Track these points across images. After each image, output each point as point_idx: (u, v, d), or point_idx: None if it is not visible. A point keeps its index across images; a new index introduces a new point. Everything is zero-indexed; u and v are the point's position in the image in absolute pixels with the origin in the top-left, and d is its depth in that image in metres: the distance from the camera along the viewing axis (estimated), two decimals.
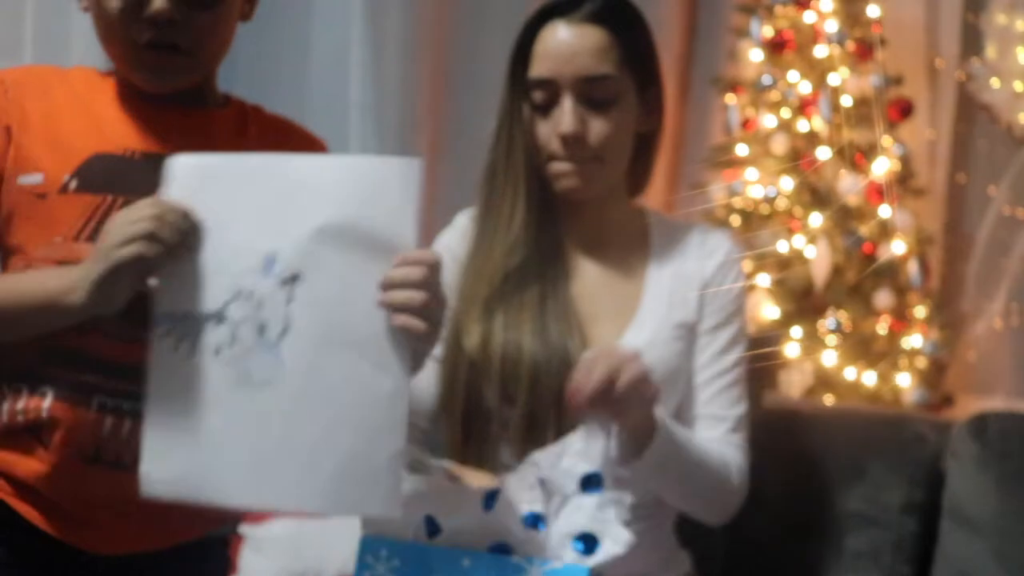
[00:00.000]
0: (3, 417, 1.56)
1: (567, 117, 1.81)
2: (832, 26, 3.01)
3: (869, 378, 2.94)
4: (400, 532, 1.54)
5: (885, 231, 2.95)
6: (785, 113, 3.03)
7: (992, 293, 3.14)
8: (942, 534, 2.14)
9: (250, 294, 1.44)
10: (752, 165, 3.03)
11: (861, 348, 2.95)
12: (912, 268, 2.95)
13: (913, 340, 2.96)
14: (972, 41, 3.16)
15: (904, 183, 3.00)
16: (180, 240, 1.45)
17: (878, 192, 2.95)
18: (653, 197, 2.05)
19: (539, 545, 1.50)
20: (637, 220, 1.94)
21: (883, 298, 2.94)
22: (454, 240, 1.91)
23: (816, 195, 2.99)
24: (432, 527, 1.53)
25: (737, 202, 3.01)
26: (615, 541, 1.50)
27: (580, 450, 1.53)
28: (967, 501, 2.12)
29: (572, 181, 1.84)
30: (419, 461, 1.55)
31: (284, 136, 1.66)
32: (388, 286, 1.42)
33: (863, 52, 3.01)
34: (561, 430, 1.68)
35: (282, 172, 1.48)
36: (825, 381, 2.94)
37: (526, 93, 1.85)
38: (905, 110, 3.01)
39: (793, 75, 3.03)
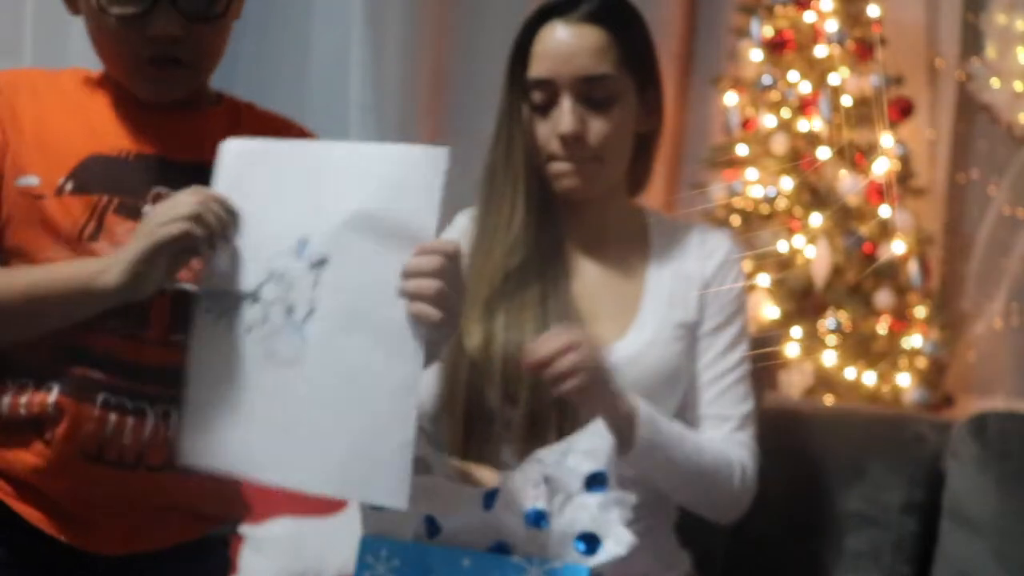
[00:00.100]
0: (4, 410, 1.56)
1: (566, 117, 1.81)
2: (832, 26, 3.00)
3: (869, 378, 2.94)
4: (400, 532, 1.54)
5: (885, 231, 2.95)
6: (785, 113, 3.02)
7: (992, 293, 3.13)
8: (942, 534, 2.14)
9: (282, 276, 1.47)
10: (752, 165, 3.03)
11: (861, 348, 2.94)
12: (912, 268, 2.95)
13: (913, 340, 2.96)
14: (972, 41, 3.15)
15: (904, 183, 3.00)
16: (221, 227, 1.47)
17: (878, 192, 2.95)
18: (653, 197, 2.06)
19: (540, 544, 1.50)
20: (637, 220, 1.94)
21: (883, 298, 2.94)
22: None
23: (816, 195, 2.98)
24: (432, 527, 1.53)
25: (737, 202, 3.01)
26: (617, 542, 1.49)
27: (586, 449, 1.53)
28: (967, 501, 2.12)
29: (572, 181, 1.84)
30: (423, 459, 1.55)
31: (277, 133, 1.66)
32: (406, 275, 1.42)
33: (863, 52, 3.01)
34: (563, 430, 1.68)
35: (319, 157, 1.51)
36: (825, 381, 2.93)
37: (525, 93, 1.85)
38: (905, 110, 3.01)
39: (793, 75, 3.02)
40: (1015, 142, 3.14)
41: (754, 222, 2.99)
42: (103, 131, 1.60)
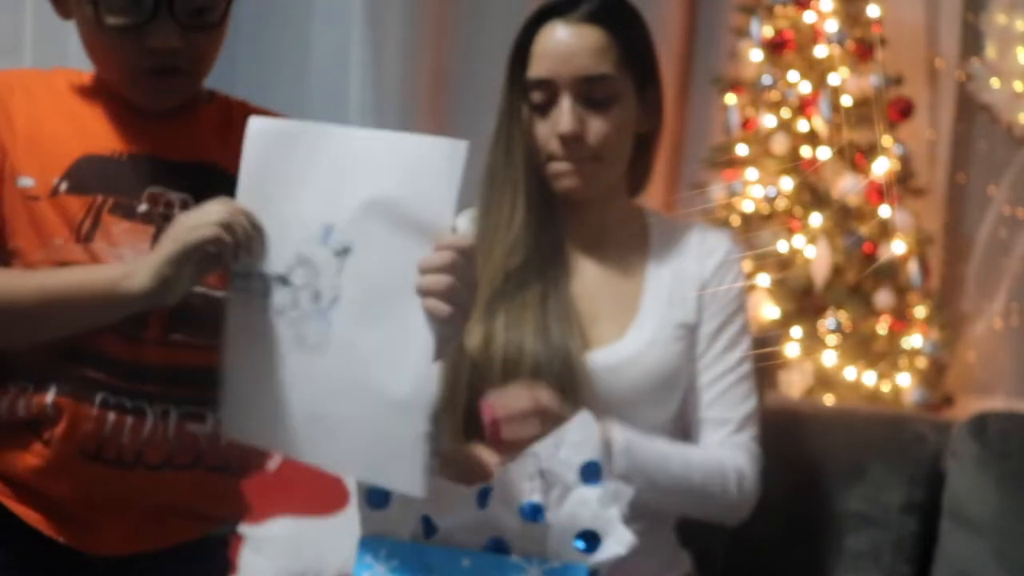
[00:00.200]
0: (2, 411, 1.56)
1: (565, 117, 1.81)
2: (832, 26, 3.00)
3: (869, 378, 2.94)
4: (399, 532, 1.54)
5: (885, 231, 2.95)
6: (785, 113, 3.02)
7: (992, 293, 3.14)
8: (942, 534, 2.14)
9: (310, 261, 1.48)
10: (752, 165, 3.03)
11: (861, 348, 2.95)
12: (912, 268, 2.95)
13: (913, 340, 2.96)
14: (972, 41, 3.16)
15: (904, 183, 3.00)
16: (247, 239, 1.47)
17: (878, 192, 2.95)
18: (653, 197, 2.06)
19: (537, 539, 1.50)
20: (637, 220, 1.94)
21: (883, 298, 2.94)
22: None
23: (816, 195, 2.99)
24: (428, 527, 1.53)
25: (737, 202, 3.01)
26: (617, 541, 1.49)
27: (576, 440, 1.53)
28: (967, 501, 2.12)
29: (571, 181, 1.84)
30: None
31: None
32: (420, 270, 1.43)
33: (863, 52, 3.01)
34: None
35: (342, 143, 1.51)
36: (825, 381, 2.93)
37: (525, 93, 1.85)
38: (905, 110, 3.01)
39: (793, 75, 3.02)
40: (1015, 142, 3.14)
41: (754, 222, 2.99)
42: (95, 132, 1.59)
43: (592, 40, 1.82)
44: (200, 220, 1.46)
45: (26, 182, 1.55)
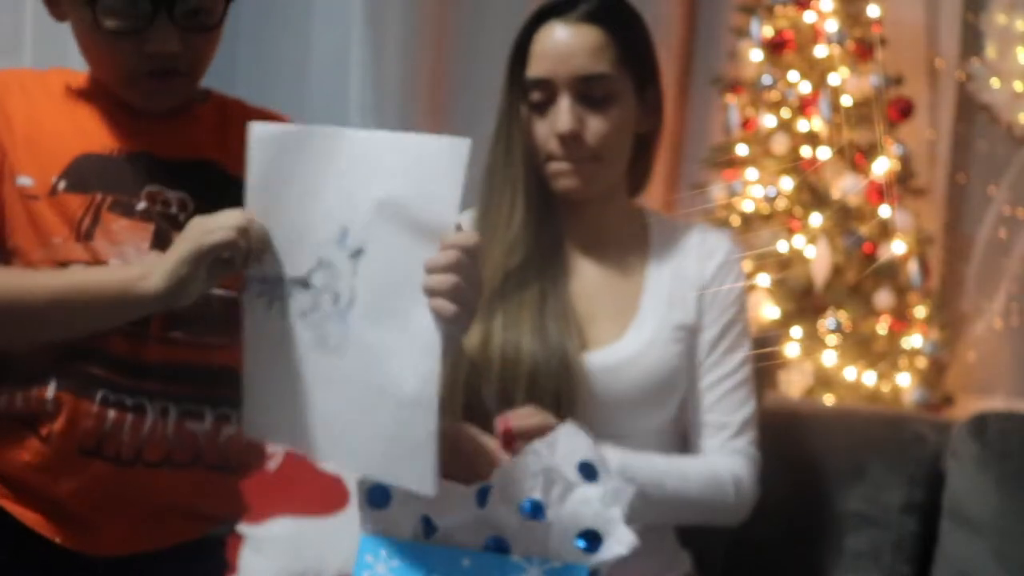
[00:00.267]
0: (1, 407, 1.56)
1: (564, 116, 1.81)
2: (832, 26, 3.00)
3: (869, 378, 2.94)
4: (399, 532, 1.54)
5: (885, 231, 2.94)
6: (785, 113, 3.02)
7: (992, 293, 3.14)
8: (942, 534, 2.14)
9: (329, 264, 1.49)
10: (752, 165, 3.03)
11: (861, 348, 2.94)
12: (912, 268, 2.95)
13: (913, 340, 2.96)
14: (972, 41, 3.15)
15: (904, 183, 3.00)
16: (260, 247, 1.48)
17: (878, 192, 2.95)
18: (653, 197, 2.06)
19: (536, 538, 1.49)
20: (636, 220, 1.94)
21: (883, 298, 2.94)
22: None
23: (816, 195, 2.99)
24: (428, 526, 1.53)
25: (737, 202, 3.01)
26: (619, 541, 1.49)
27: (570, 438, 1.53)
28: (967, 501, 2.12)
29: (570, 180, 1.84)
30: None
31: None
32: (426, 269, 1.43)
33: (863, 52, 3.01)
34: None
35: (345, 146, 1.51)
36: (825, 381, 2.93)
37: (524, 93, 1.85)
38: (905, 110, 3.01)
39: (793, 75, 3.02)
40: (1015, 142, 3.14)
41: (754, 222, 2.99)
42: (93, 131, 1.59)
43: (590, 39, 1.82)
44: (217, 223, 1.46)
45: (25, 181, 1.56)
